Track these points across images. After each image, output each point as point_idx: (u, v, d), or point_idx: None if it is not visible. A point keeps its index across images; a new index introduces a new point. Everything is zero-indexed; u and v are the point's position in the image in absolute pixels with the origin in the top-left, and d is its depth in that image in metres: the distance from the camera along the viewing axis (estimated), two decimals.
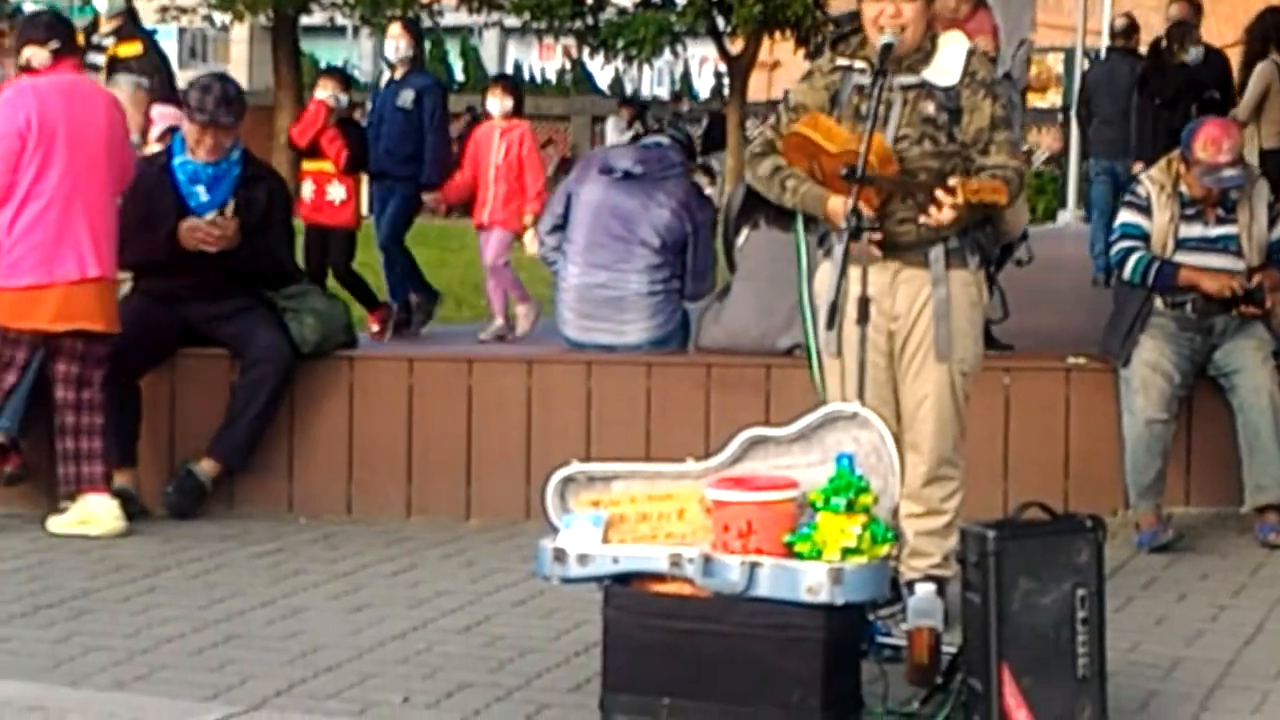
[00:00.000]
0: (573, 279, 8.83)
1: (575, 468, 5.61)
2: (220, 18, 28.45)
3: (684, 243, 8.79)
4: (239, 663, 6.05)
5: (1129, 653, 6.14)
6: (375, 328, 10.69)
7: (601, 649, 5.42)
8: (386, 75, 11.53)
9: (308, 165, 11.12)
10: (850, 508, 5.21)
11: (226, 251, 8.29)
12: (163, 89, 10.11)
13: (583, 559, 5.38)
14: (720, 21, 24.07)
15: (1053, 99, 33.37)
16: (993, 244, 6.66)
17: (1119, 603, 6.60)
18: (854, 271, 6.00)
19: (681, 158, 9.19)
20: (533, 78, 44.10)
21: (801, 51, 23.05)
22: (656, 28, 24.36)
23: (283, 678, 5.89)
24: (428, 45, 40.58)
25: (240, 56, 45.65)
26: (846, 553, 5.18)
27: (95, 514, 7.85)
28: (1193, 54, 13.39)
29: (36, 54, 8.04)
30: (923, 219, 6.04)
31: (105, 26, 10.57)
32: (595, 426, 8.31)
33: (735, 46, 24.49)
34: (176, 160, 8.46)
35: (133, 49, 10.45)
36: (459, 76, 39.85)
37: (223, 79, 8.74)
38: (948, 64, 6.20)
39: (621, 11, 25.32)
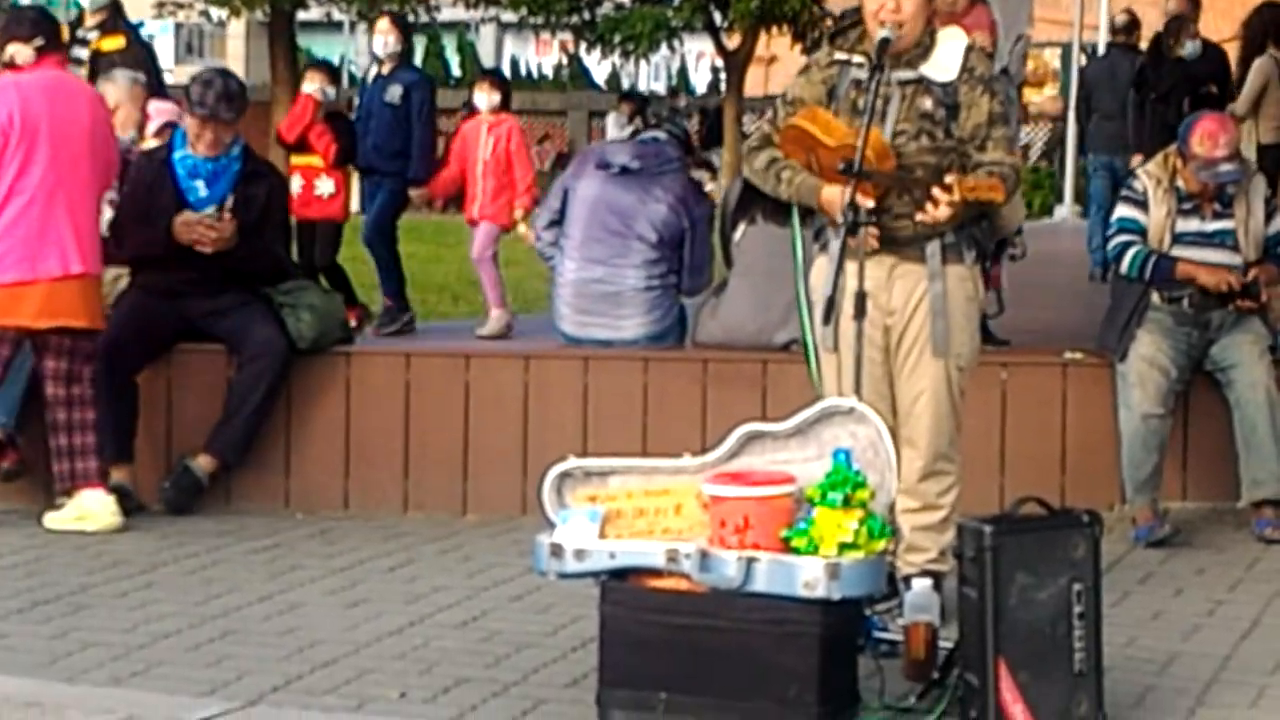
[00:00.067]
0: (569, 274, 8.83)
1: (572, 463, 5.61)
2: (217, 13, 28.40)
3: (681, 238, 8.79)
4: (236, 658, 6.05)
5: (1125, 647, 6.15)
6: (352, 323, 10.66)
7: (598, 644, 5.42)
8: (374, 70, 11.50)
9: (296, 160, 11.11)
10: (847, 503, 5.21)
11: (225, 251, 8.29)
12: (148, 83, 10.07)
13: (579, 554, 5.38)
14: (717, 16, 24.02)
15: (1049, 94, 33.34)
16: (989, 239, 6.66)
17: (1115, 598, 6.60)
18: (851, 266, 6.00)
19: (679, 153, 9.18)
20: (529, 73, 44.06)
21: (798, 47, 23.02)
22: (653, 23, 24.31)
23: (280, 673, 5.89)
24: (425, 40, 40.57)
25: (237, 52, 45.61)
26: (843, 548, 5.18)
27: (92, 510, 7.85)
28: (1189, 48, 13.39)
29: (20, 51, 8.03)
30: (920, 215, 6.05)
31: (90, 20, 10.56)
32: (592, 422, 8.32)
33: (732, 42, 24.45)
34: (177, 154, 8.46)
35: (116, 43, 10.45)
36: (455, 71, 39.80)
37: (224, 74, 8.74)
38: (946, 60, 6.21)
39: (618, 6, 25.28)
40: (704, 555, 5.25)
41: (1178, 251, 7.91)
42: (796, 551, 5.20)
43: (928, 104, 6.17)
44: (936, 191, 5.97)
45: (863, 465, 5.35)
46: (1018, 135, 8.39)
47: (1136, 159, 12.97)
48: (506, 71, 45.51)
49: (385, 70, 11.27)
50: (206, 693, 5.70)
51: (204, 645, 6.21)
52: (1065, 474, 8.13)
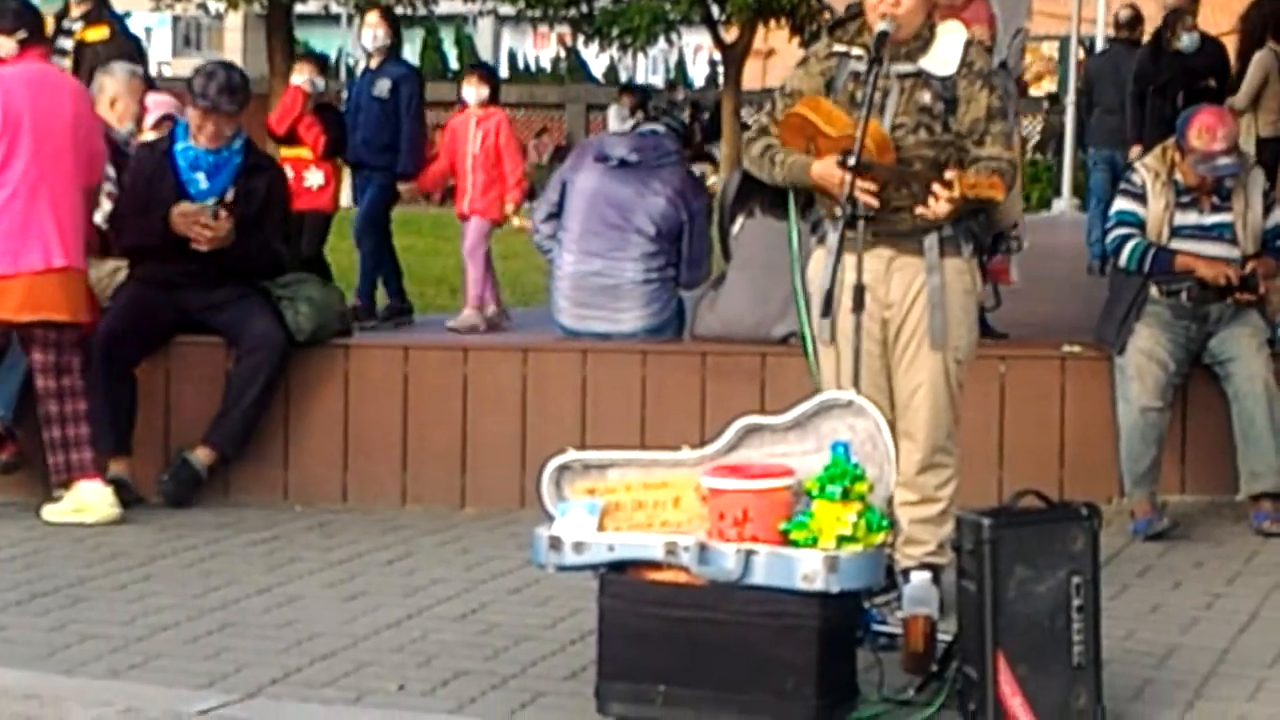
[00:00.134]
0: (568, 267, 8.83)
1: (571, 456, 5.61)
2: (214, 6, 28.41)
3: (679, 231, 8.79)
4: (234, 651, 6.05)
5: (1124, 640, 6.15)
6: None
7: (597, 637, 5.42)
8: (363, 64, 11.47)
9: (285, 152, 11.09)
10: (846, 495, 5.21)
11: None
12: None
13: (578, 547, 5.38)
14: (715, 10, 24.07)
15: (1047, 87, 33.39)
16: (986, 232, 6.66)
17: (1114, 590, 6.61)
18: (849, 259, 6.01)
19: (677, 145, 9.19)
20: (527, 66, 44.05)
21: (796, 40, 23.03)
22: (651, 16, 24.35)
23: (278, 666, 5.89)
24: (422, 33, 40.56)
25: (234, 44, 45.61)
26: (842, 540, 5.18)
27: (89, 501, 7.85)
28: (1185, 41, 13.39)
29: (3, 43, 8.01)
30: (919, 210, 6.05)
31: (75, 11, 10.54)
32: (591, 414, 8.32)
33: (730, 35, 24.48)
34: (178, 146, 8.45)
35: (100, 34, 10.41)
36: (454, 65, 39.79)
37: (227, 67, 8.74)
38: (945, 53, 6.21)
39: (616, 0, 25.31)
40: (703, 548, 5.25)
41: (1176, 245, 7.92)
42: (795, 544, 5.20)
43: (926, 98, 6.17)
44: (937, 187, 5.97)
45: (861, 458, 5.35)
46: (1017, 129, 8.38)
47: (1135, 151, 12.99)
48: (504, 64, 45.57)
49: (374, 64, 11.25)
50: (205, 685, 5.70)
51: (202, 638, 6.21)
52: (1064, 467, 8.13)
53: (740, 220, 8.50)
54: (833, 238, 6.10)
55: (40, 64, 8.13)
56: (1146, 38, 14.49)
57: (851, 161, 5.92)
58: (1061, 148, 27.52)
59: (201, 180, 8.40)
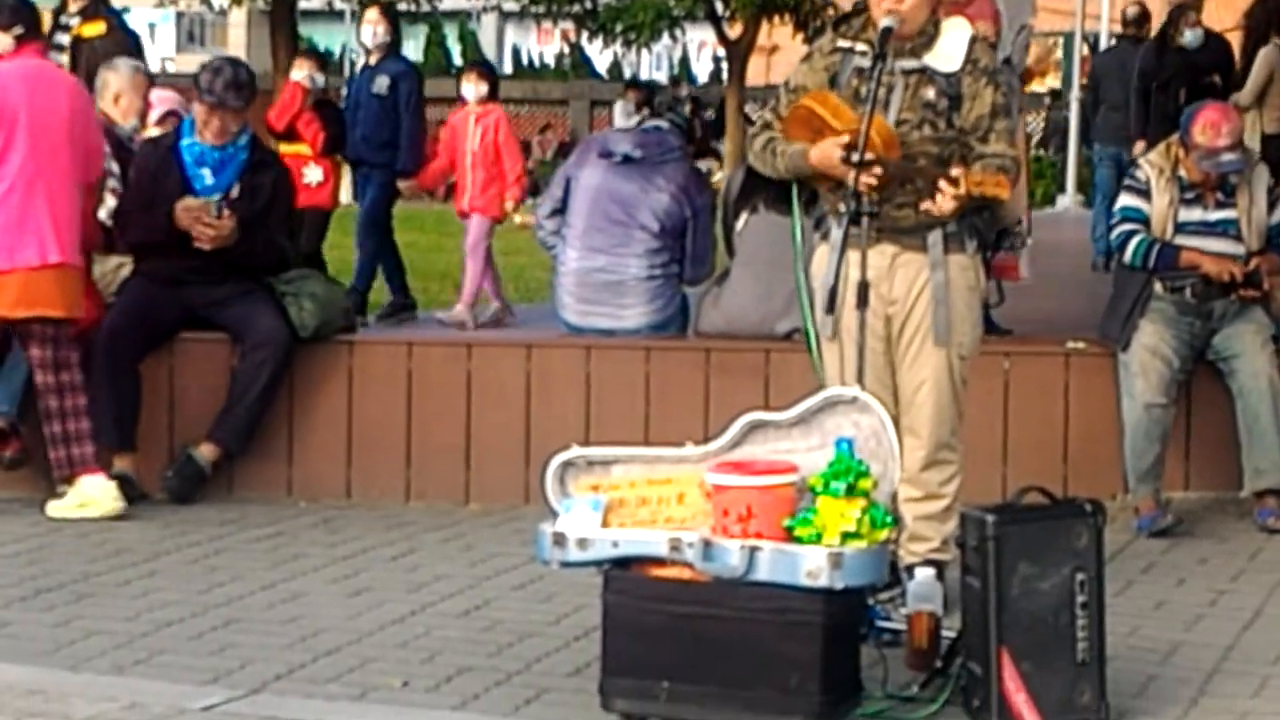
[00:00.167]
0: (571, 263, 8.83)
1: (574, 452, 5.61)
2: (218, 1, 28.39)
3: (683, 227, 8.79)
4: (239, 647, 6.06)
5: (1128, 637, 6.15)
6: None
7: (601, 633, 5.42)
8: (362, 61, 11.44)
9: (284, 148, 11.07)
10: (850, 492, 5.21)
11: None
12: None
13: (582, 543, 5.38)
14: (719, 6, 24.02)
15: (1050, 83, 33.35)
16: (990, 229, 6.66)
17: (1118, 587, 6.61)
18: (853, 255, 6.01)
19: (681, 141, 9.18)
20: (531, 62, 44.06)
21: (800, 36, 23.01)
22: (655, 12, 24.31)
23: (282, 662, 5.90)
24: (426, 29, 40.50)
25: (238, 40, 45.57)
26: (846, 537, 5.18)
27: (93, 495, 7.85)
28: (1188, 36, 13.39)
29: None
30: (924, 206, 6.04)
31: (72, 7, 10.54)
32: (594, 411, 8.32)
33: (734, 31, 24.45)
34: (184, 141, 8.46)
35: (96, 29, 10.41)
36: (457, 61, 39.78)
37: (234, 63, 8.75)
38: (950, 49, 6.20)
39: None
40: (707, 544, 5.24)
41: (1180, 241, 7.91)
42: (799, 541, 5.20)
43: (931, 94, 6.17)
44: (943, 184, 5.96)
45: (865, 455, 5.35)
46: (1021, 125, 8.37)
47: (1138, 147, 12.99)
48: (508, 61, 45.56)
49: (373, 61, 11.23)
50: (209, 681, 5.70)
51: (207, 634, 6.21)
52: (1068, 463, 8.12)
53: (744, 216, 8.49)
54: (836, 234, 6.09)
55: (37, 60, 8.12)
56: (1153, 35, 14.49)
57: (856, 157, 5.92)
58: (1065, 144, 27.50)
59: (207, 176, 8.41)
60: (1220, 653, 6.10)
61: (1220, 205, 7.95)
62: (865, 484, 5.25)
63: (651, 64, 40.01)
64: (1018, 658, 5.23)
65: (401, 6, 28.46)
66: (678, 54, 39.72)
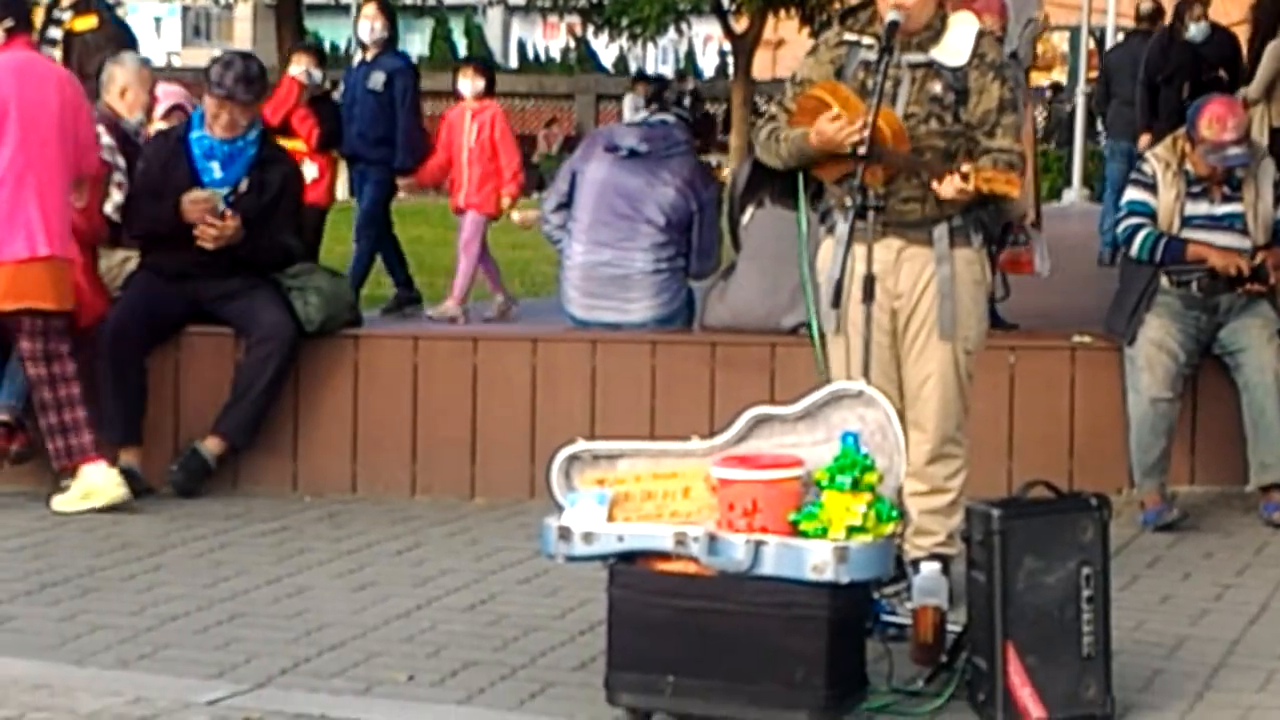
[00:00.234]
0: (577, 257, 8.82)
1: (580, 446, 5.60)
2: None
3: (689, 221, 8.78)
4: (244, 641, 6.06)
5: (1134, 631, 6.15)
6: None
7: (606, 627, 5.41)
8: (359, 56, 11.41)
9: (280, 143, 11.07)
10: (856, 486, 5.21)
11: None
12: None
13: (588, 537, 5.38)
14: (725, 0, 24.00)
15: (1056, 77, 33.34)
16: (996, 223, 6.66)
17: (1124, 581, 6.60)
18: (859, 249, 6.01)
19: (686, 135, 9.17)
20: (537, 56, 44.08)
21: (806, 30, 22.99)
22: (661, 6, 24.28)
23: (287, 656, 5.90)
24: (432, 23, 40.43)
25: (244, 34, 45.64)
26: (852, 531, 5.17)
27: (96, 484, 7.84)
28: (1194, 30, 13.37)
29: None
30: (934, 184, 6.02)
31: (65, 1, 10.54)
32: (600, 405, 8.31)
33: (740, 25, 24.42)
34: (194, 134, 8.46)
35: (88, 22, 10.40)
36: (463, 55, 39.81)
37: (245, 56, 8.76)
38: (957, 44, 6.20)
39: None
40: (712, 538, 5.24)
41: (1187, 235, 7.91)
42: (805, 535, 5.19)
43: (937, 88, 6.17)
44: (956, 178, 5.95)
45: (871, 449, 5.35)
46: (1029, 120, 8.37)
47: (1144, 140, 12.98)
48: (514, 55, 45.56)
49: (370, 56, 11.21)
50: (214, 675, 5.70)
51: (212, 628, 6.22)
52: (1073, 458, 8.12)
53: (750, 210, 8.47)
54: (842, 228, 6.09)
55: (27, 52, 8.12)
56: None
57: (862, 151, 5.91)
58: (1070, 137, 27.48)
59: (215, 169, 8.41)
60: (1226, 647, 6.10)
61: (1226, 199, 7.95)
62: (871, 478, 5.25)
63: (657, 58, 40.01)
64: (1023, 652, 5.23)
65: (408, 0, 28.45)
66: (683, 48, 39.72)
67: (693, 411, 7.96)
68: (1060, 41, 33.22)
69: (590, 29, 27.22)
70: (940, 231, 6.21)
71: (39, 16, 9.87)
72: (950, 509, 6.26)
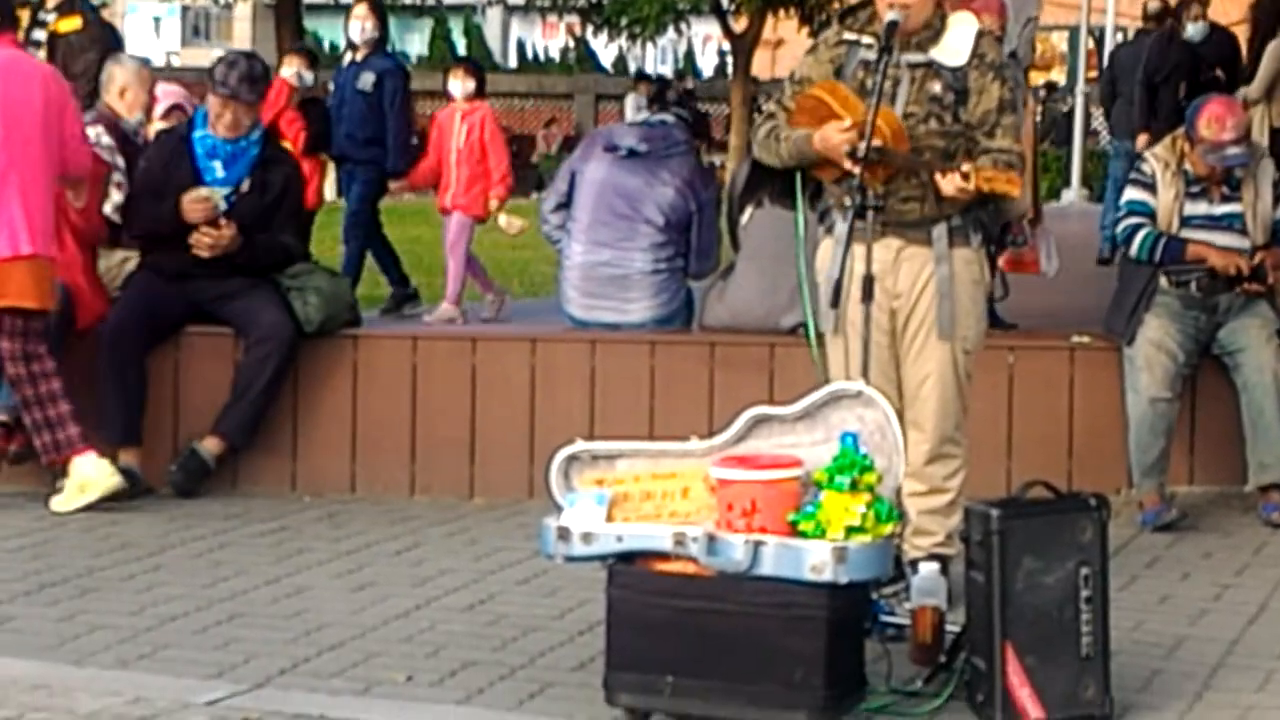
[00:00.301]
0: (576, 257, 8.82)
1: (579, 446, 5.61)
2: None
3: (688, 221, 8.78)
4: (243, 641, 6.06)
5: (1132, 631, 6.15)
6: None
7: (605, 627, 5.41)
8: (349, 56, 11.39)
9: None
10: (854, 486, 5.21)
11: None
12: (101, 64, 9.86)
13: (587, 538, 5.38)
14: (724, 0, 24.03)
15: (1055, 76, 33.34)
16: (995, 223, 6.66)
17: (1122, 581, 6.60)
18: (858, 249, 6.01)
19: (686, 135, 9.17)
20: (536, 56, 44.07)
21: (805, 30, 23.01)
22: (660, 6, 24.31)
23: (286, 656, 5.90)
24: (432, 23, 40.39)
25: (243, 34, 45.61)
26: (850, 531, 5.17)
27: (89, 476, 7.82)
28: (1191, 30, 13.37)
29: None
30: (936, 177, 6.02)
31: (50, 2, 10.54)
32: (599, 405, 8.32)
33: (739, 24, 24.43)
34: (197, 134, 8.46)
35: (72, 23, 10.40)
36: (462, 54, 39.81)
37: (250, 56, 8.77)
38: (956, 44, 6.20)
39: None
40: (711, 539, 5.24)
41: (1186, 235, 7.91)
42: (804, 535, 5.19)
43: (937, 88, 6.16)
44: (956, 176, 5.95)
45: (870, 449, 5.35)
46: (1030, 120, 8.36)
47: (1141, 140, 12.99)
48: (513, 54, 45.53)
49: (360, 56, 11.19)
50: (214, 675, 5.70)
51: (211, 628, 6.22)
52: (1072, 458, 8.12)
53: (749, 210, 8.47)
54: (841, 228, 6.09)
55: (11, 50, 8.09)
56: None
57: (861, 152, 5.91)
58: (1068, 137, 27.47)
59: (218, 169, 8.41)
60: (1225, 647, 6.10)
61: (1225, 199, 7.95)
62: (870, 478, 5.25)
63: (656, 58, 40.01)
64: (1022, 652, 5.23)
65: (408, 0, 28.42)
66: (682, 48, 39.73)
67: (692, 412, 7.96)
68: (1059, 41, 33.23)
69: (589, 29, 27.24)
70: (939, 231, 6.21)
71: (23, 18, 9.85)
72: (949, 509, 6.26)
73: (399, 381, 8.45)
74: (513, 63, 44.50)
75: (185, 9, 50.75)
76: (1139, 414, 7.79)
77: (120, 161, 8.67)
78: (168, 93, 9.74)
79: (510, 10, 44.59)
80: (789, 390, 6.00)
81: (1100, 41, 28.40)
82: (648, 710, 5.33)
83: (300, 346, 8.38)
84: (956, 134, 6.16)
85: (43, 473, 8.12)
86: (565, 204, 8.95)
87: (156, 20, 52.54)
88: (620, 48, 32.39)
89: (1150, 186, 7.96)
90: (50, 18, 10.45)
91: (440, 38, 41.78)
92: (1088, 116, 27.02)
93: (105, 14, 11.37)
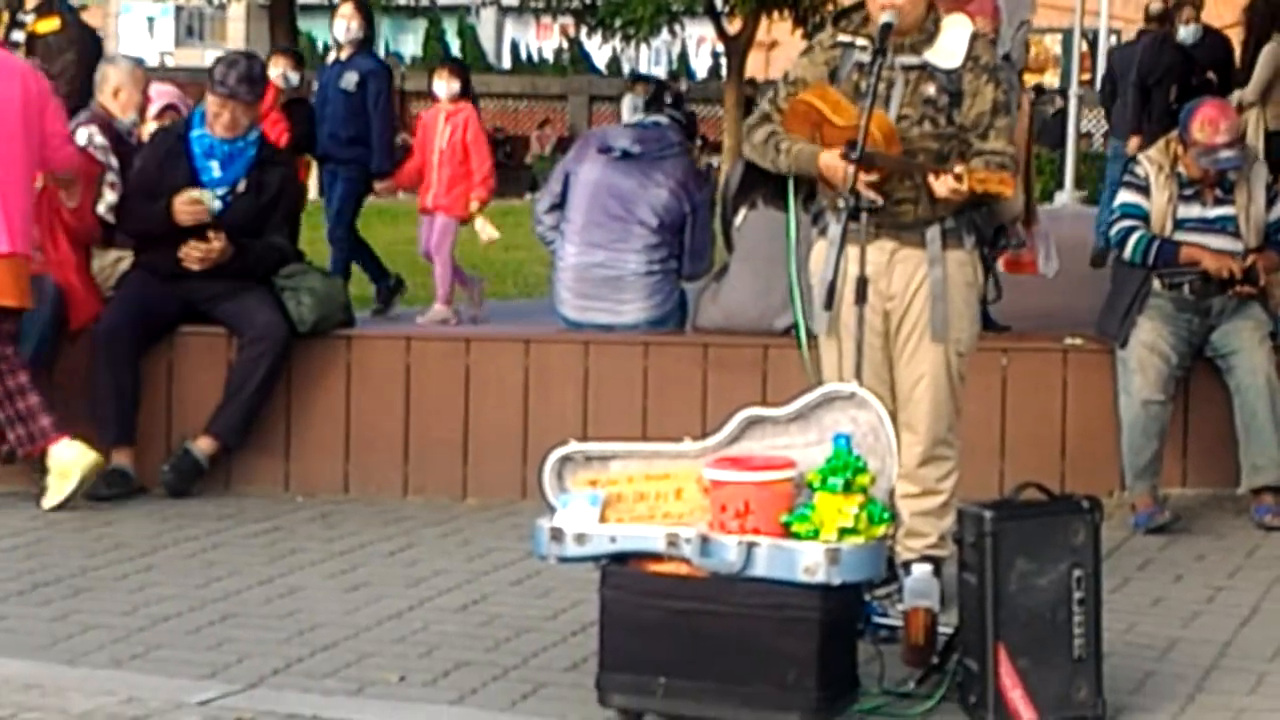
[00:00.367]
0: (570, 258, 8.82)
1: (572, 447, 5.61)
2: None
3: (682, 222, 8.78)
4: (236, 641, 6.06)
5: (1125, 633, 6.15)
6: None
7: (598, 628, 5.41)
8: (333, 55, 11.37)
9: None
10: (848, 488, 5.21)
11: (231, 235, 8.30)
12: (79, 65, 9.90)
13: (580, 538, 5.38)
14: (718, 1, 24.00)
15: (1049, 79, 33.36)
16: (989, 225, 6.66)
17: (1115, 583, 6.61)
18: (851, 251, 6.01)
19: (680, 137, 9.18)
20: (530, 57, 44.03)
21: (799, 31, 23.00)
22: (654, 7, 24.26)
23: (280, 656, 5.90)
24: (425, 24, 40.36)
25: (237, 34, 45.55)
26: (843, 533, 5.17)
27: (66, 460, 7.80)
28: (1184, 33, 13.38)
29: None
30: (930, 178, 6.03)
31: (29, 3, 10.53)
32: (593, 406, 8.32)
33: (733, 26, 24.41)
34: (194, 133, 8.46)
35: (50, 25, 10.39)
36: (456, 55, 39.80)
37: (249, 56, 8.77)
38: (950, 46, 6.20)
39: None
40: (704, 540, 5.24)
41: (1179, 238, 7.92)
42: (797, 536, 5.20)
43: (931, 90, 6.17)
44: (949, 178, 5.95)
45: (863, 450, 5.35)
46: (1023, 121, 8.37)
47: (1133, 143, 12.99)
48: (507, 55, 45.49)
49: (344, 56, 11.17)
50: (206, 675, 5.70)
51: (204, 628, 6.21)
52: (1065, 460, 8.13)
53: (743, 212, 8.48)
54: (835, 229, 6.09)
55: None
56: None
57: (855, 154, 5.92)
58: (1061, 140, 27.49)
59: (215, 169, 8.41)
60: (1217, 649, 6.10)
61: (1219, 202, 7.95)
62: (863, 480, 5.25)
63: (650, 59, 40.01)
64: (1015, 654, 5.23)
65: (401, 1, 28.39)
66: (676, 49, 39.71)
67: (685, 413, 7.96)
68: (1053, 44, 33.24)
69: (583, 30, 27.20)
70: (933, 233, 6.21)
71: (3, 19, 9.85)
72: (942, 511, 6.26)
73: (392, 382, 8.45)
74: (507, 64, 44.47)
75: (179, 9, 50.65)
76: (1132, 416, 7.79)
77: (114, 161, 8.66)
78: (161, 93, 9.73)
79: (504, 11, 44.53)
80: (782, 392, 6.00)
81: (1094, 44, 28.42)
82: (640, 711, 5.33)
83: (294, 346, 8.38)
84: (950, 136, 6.17)
85: (35, 472, 8.10)
86: (559, 205, 8.95)
87: (150, 20, 52.48)
88: (614, 49, 32.39)
89: (1144, 189, 7.97)
90: (29, 19, 10.44)
91: (434, 39, 41.75)
92: (1079, 118, 27.03)
93: (94, 14, 11.37)
